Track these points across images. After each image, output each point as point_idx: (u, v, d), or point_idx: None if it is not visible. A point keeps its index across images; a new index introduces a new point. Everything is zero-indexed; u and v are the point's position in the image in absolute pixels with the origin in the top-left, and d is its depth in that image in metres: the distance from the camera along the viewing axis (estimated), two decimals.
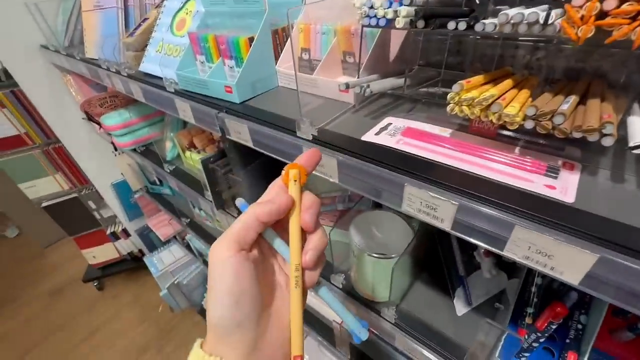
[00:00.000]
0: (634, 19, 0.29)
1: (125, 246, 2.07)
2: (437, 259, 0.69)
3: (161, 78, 0.75)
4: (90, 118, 1.30)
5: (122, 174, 1.66)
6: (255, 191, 0.83)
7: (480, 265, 0.62)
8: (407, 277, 0.63)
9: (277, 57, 0.68)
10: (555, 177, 0.35)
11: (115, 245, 2.04)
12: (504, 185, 0.35)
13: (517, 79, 0.44)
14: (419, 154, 0.41)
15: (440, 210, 0.36)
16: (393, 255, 0.55)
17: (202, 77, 0.66)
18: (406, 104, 0.55)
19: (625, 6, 0.28)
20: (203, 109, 0.63)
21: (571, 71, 0.52)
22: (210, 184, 0.86)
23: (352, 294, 0.65)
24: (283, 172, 0.30)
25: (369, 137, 0.46)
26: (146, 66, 0.84)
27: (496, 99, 0.37)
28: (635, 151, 0.30)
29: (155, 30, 0.86)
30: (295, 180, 0.29)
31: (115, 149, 1.56)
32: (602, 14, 0.30)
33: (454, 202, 0.34)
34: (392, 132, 0.46)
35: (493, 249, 0.34)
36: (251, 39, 0.60)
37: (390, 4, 0.43)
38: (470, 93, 0.38)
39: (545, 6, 0.38)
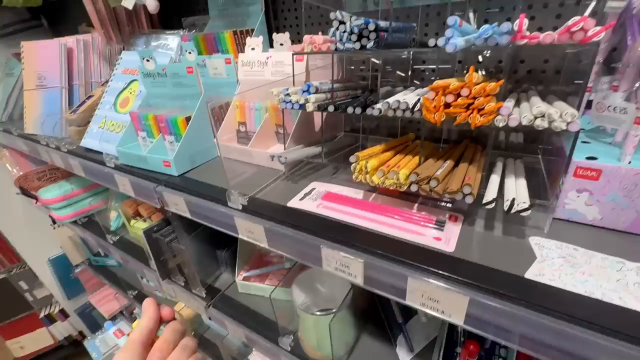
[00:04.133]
0: (467, 108, 0.38)
1: (62, 330, 1.83)
2: (377, 310, 0.72)
3: (102, 153, 0.77)
4: (25, 193, 1.24)
5: (61, 247, 1.54)
6: (200, 258, 0.83)
7: (417, 310, 0.66)
8: (350, 331, 0.65)
9: (217, 130, 0.74)
10: (442, 229, 0.42)
11: (49, 330, 1.80)
12: (401, 241, 0.40)
13: (415, 144, 0.54)
14: (334, 217, 0.46)
15: (352, 267, 0.40)
16: (333, 310, 0.57)
17: (144, 150, 0.70)
18: (330, 169, 0.62)
19: (459, 100, 0.38)
20: (142, 183, 0.65)
21: (459, 135, 0.64)
22: (154, 254, 0.84)
23: (301, 357, 0.65)
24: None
25: (294, 203, 0.51)
26: (88, 142, 0.85)
27: (380, 166, 0.44)
28: (487, 206, 0.38)
29: (99, 108, 0.89)
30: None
31: (54, 222, 1.47)
32: (448, 104, 0.40)
33: (360, 260, 0.39)
34: (314, 197, 0.52)
35: (398, 299, 0.38)
36: (189, 118, 0.66)
37: (303, 92, 0.52)
38: (369, 162, 0.46)
39: (419, 92, 0.48)
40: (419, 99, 0.42)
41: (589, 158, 0.39)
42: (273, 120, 0.70)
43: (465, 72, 0.39)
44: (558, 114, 0.33)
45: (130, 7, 0.79)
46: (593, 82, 0.48)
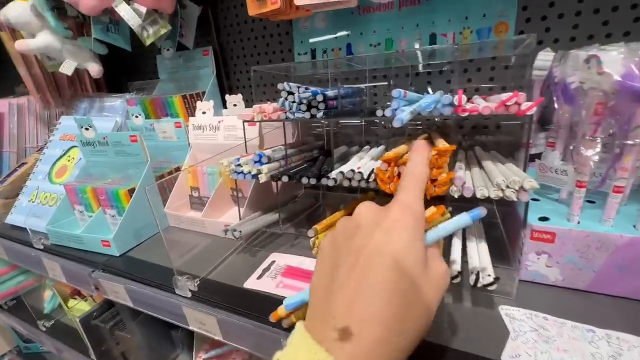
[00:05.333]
0: None
1: None
2: None
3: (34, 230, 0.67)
4: None
5: None
6: (150, 342, 0.72)
7: None
8: None
9: (165, 199, 0.68)
10: None
11: None
12: None
13: None
14: None
15: None
16: None
17: (81, 227, 0.62)
18: (291, 235, 0.58)
19: None
20: (75, 268, 0.57)
21: None
22: (93, 344, 0.72)
23: None
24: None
25: (251, 283, 0.46)
26: (15, 217, 0.75)
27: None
28: (453, 281, 0.36)
29: (30, 178, 0.80)
30: None
31: None
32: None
33: None
34: (273, 274, 0.47)
35: None
36: (132, 190, 0.60)
37: (255, 162, 0.49)
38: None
39: (374, 153, 0.48)
40: (372, 170, 0.41)
41: (541, 219, 0.39)
42: (228, 184, 0.66)
43: (418, 130, 0.39)
44: (506, 184, 0.34)
45: (70, 73, 0.75)
46: (532, 138, 0.51)
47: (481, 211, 0.23)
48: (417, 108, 0.39)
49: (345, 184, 0.43)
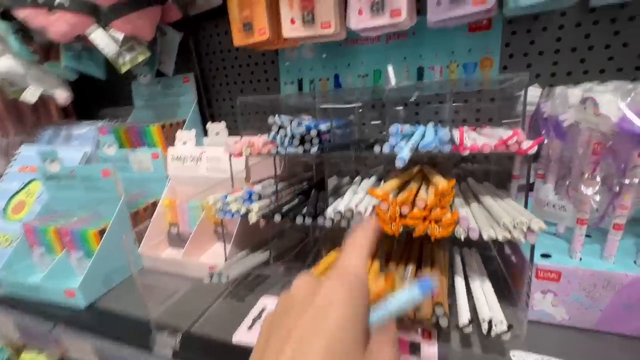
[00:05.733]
0: (424, 219, 0.36)
1: None
2: None
3: None
4: None
5: None
6: None
7: None
8: None
9: (140, 238, 0.62)
10: (419, 355, 0.36)
11: None
12: None
13: None
14: None
15: None
16: None
17: (40, 272, 0.54)
18: (281, 275, 0.54)
19: (415, 211, 0.36)
20: (32, 324, 0.49)
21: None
22: None
23: None
24: None
25: (241, 335, 0.41)
26: None
27: None
28: (465, 330, 0.34)
29: None
30: None
31: None
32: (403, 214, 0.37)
33: None
34: None
35: None
36: (103, 231, 0.54)
37: (244, 200, 0.46)
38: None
39: (366, 186, 0.46)
40: (373, 208, 0.39)
41: (543, 255, 0.39)
42: (211, 219, 0.62)
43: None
44: (513, 225, 0.33)
45: (33, 101, 0.69)
46: (519, 170, 0.52)
47: (432, 283, 0.19)
48: (416, 145, 0.38)
49: (344, 224, 0.41)
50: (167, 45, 0.69)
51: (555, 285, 0.37)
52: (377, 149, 0.40)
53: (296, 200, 0.50)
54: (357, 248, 0.23)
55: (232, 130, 0.73)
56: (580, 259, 0.37)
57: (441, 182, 0.36)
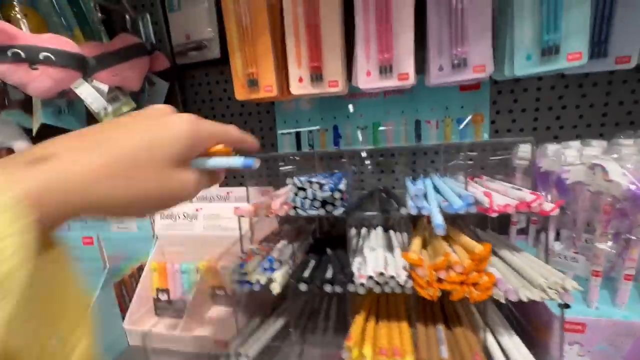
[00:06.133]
0: (462, 283, 0.36)
1: None
2: None
3: None
4: None
5: None
6: None
7: None
8: None
9: (124, 310, 0.54)
10: None
11: None
12: None
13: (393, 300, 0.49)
14: None
15: None
16: None
17: None
18: (304, 343, 0.50)
19: (453, 276, 0.36)
20: None
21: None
22: None
23: None
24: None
25: None
26: None
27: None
28: None
29: None
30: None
31: None
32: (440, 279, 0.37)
33: None
34: None
35: None
36: None
37: (265, 269, 0.43)
38: (364, 349, 0.38)
39: (389, 255, 0.45)
40: (409, 275, 0.39)
41: (561, 305, 0.41)
42: (208, 282, 0.56)
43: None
44: (548, 285, 0.34)
45: None
46: (516, 216, 0.56)
47: (254, 162, 0.24)
48: (446, 208, 0.39)
49: (377, 290, 0.39)
50: (153, 95, 0.65)
51: (581, 336, 0.39)
52: (404, 210, 0.40)
53: (313, 262, 0.48)
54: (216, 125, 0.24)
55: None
56: (597, 308, 0.40)
57: (476, 245, 0.37)
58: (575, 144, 0.47)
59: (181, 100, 0.71)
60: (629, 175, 0.34)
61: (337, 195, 0.42)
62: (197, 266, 0.56)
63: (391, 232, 0.58)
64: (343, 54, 0.51)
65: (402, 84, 0.50)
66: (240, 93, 0.55)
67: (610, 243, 0.38)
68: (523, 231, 0.56)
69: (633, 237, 0.37)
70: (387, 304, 0.49)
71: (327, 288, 0.40)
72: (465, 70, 0.48)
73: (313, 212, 0.43)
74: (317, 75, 0.51)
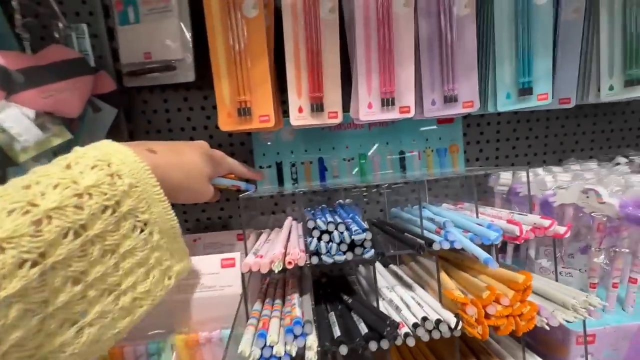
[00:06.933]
0: (508, 316, 0.36)
1: None
2: None
3: None
4: None
5: None
6: None
7: None
8: None
9: None
10: None
11: None
12: None
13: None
14: None
15: None
16: None
17: None
18: None
19: (501, 309, 0.36)
20: None
21: None
22: None
23: None
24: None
25: None
26: None
27: None
28: None
29: None
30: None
31: None
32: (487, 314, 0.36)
33: None
34: None
35: None
36: None
37: (296, 336, 0.35)
38: None
39: (422, 299, 0.43)
40: (458, 319, 0.36)
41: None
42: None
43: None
44: (577, 303, 0.37)
45: None
46: None
47: (252, 188, 0.51)
48: (479, 238, 0.39)
49: (425, 338, 0.36)
50: (96, 123, 0.50)
51: (591, 347, 0.43)
52: (436, 245, 0.39)
53: (332, 315, 0.42)
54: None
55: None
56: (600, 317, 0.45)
57: (516, 275, 0.37)
58: (554, 169, 0.54)
59: (128, 130, 0.58)
60: (619, 197, 0.40)
61: (367, 236, 0.38)
62: (172, 342, 0.43)
63: (392, 266, 0.56)
64: (340, 84, 0.49)
65: (402, 117, 0.50)
66: (227, 123, 0.47)
67: (602, 257, 0.43)
68: (501, 249, 0.61)
69: (619, 250, 0.43)
70: (411, 352, 0.46)
71: (372, 346, 0.35)
72: (455, 105, 0.51)
73: (340, 258, 0.38)
74: (317, 106, 0.48)
